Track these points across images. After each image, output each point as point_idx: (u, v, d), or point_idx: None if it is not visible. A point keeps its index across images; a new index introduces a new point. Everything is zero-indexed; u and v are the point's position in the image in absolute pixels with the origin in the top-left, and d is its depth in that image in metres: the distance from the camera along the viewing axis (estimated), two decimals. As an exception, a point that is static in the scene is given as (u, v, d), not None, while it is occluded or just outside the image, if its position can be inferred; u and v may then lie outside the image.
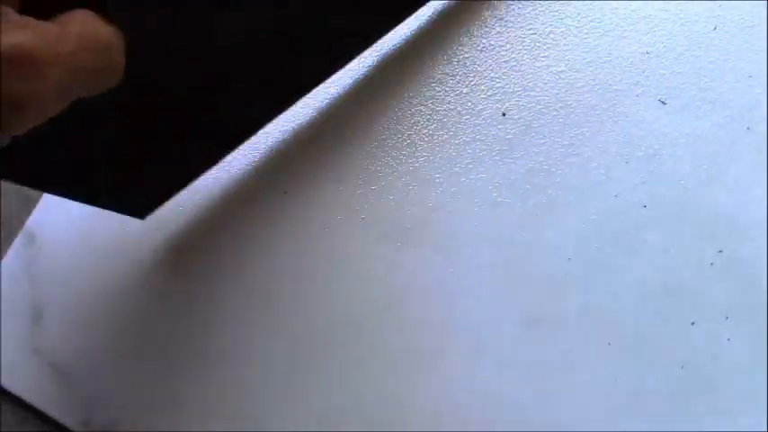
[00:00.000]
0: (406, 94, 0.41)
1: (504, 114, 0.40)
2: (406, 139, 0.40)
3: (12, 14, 0.24)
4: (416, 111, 0.40)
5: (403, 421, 0.35)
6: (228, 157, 0.40)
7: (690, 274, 0.35)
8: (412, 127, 0.40)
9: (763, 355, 0.33)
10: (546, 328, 0.35)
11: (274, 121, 0.39)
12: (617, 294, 0.35)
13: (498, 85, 0.40)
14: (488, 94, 0.40)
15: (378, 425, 0.35)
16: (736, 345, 0.34)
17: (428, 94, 0.41)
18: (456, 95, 0.40)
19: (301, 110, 0.42)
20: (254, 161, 0.42)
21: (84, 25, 0.25)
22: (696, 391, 0.33)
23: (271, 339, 0.38)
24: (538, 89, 0.40)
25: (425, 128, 0.40)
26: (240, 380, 0.38)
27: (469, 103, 0.40)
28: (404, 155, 0.40)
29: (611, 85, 0.39)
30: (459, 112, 0.40)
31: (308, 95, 0.40)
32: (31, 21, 0.24)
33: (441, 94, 0.41)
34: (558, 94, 0.39)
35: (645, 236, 0.36)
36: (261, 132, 0.40)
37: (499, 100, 0.40)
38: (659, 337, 0.34)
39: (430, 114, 0.40)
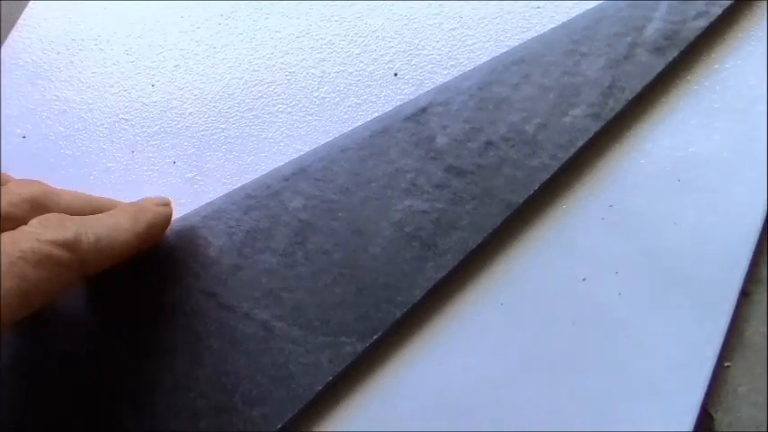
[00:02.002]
0: (294, 57, 0.40)
1: (395, 75, 0.39)
2: (296, 103, 0.39)
3: None
4: (307, 74, 0.39)
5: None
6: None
7: (581, 230, 0.34)
8: (302, 90, 0.39)
9: (652, 307, 0.33)
10: (438, 300, 0.34)
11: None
12: (508, 253, 0.34)
13: (389, 44, 0.39)
14: (379, 54, 0.39)
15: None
16: (626, 299, 0.33)
17: (318, 56, 0.40)
18: (347, 57, 0.39)
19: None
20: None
21: None
22: (588, 348, 0.32)
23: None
24: (429, 48, 0.39)
25: (316, 91, 0.39)
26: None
27: (361, 64, 0.39)
28: (295, 119, 0.39)
29: (502, 41, 0.38)
30: (350, 74, 0.39)
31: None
32: None
33: (331, 56, 0.39)
34: (449, 52, 0.38)
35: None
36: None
37: (390, 60, 0.39)
38: (551, 295, 0.33)
39: (320, 77, 0.39)
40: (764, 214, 0.33)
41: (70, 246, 0.27)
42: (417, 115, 0.35)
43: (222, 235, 0.35)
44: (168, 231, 0.35)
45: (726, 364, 0.33)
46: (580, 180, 0.35)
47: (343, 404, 0.34)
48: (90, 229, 0.29)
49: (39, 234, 0.27)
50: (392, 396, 0.33)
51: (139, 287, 0.34)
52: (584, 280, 0.34)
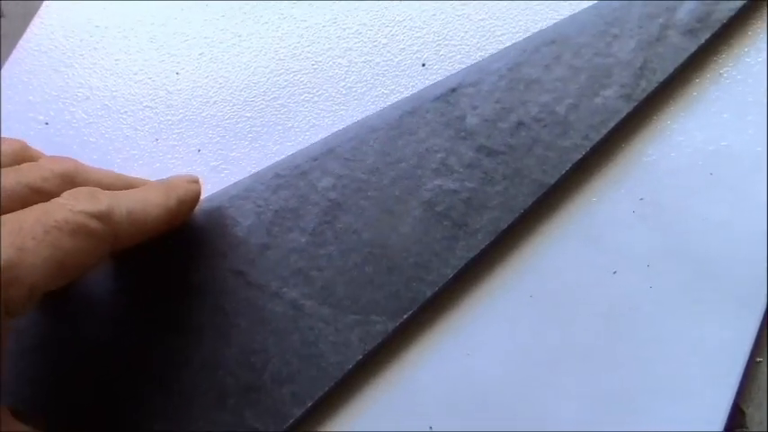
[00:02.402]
0: (321, 46, 0.40)
1: (423, 65, 0.38)
2: (323, 92, 0.39)
3: None
4: (334, 64, 0.39)
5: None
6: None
7: (612, 222, 0.34)
8: (329, 80, 0.39)
9: (683, 302, 0.32)
10: (468, 281, 0.34)
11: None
12: (538, 245, 0.34)
13: (417, 35, 0.39)
14: (407, 44, 0.39)
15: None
16: (657, 293, 0.33)
17: (344, 45, 0.40)
18: (374, 46, 0.39)
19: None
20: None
21: None
22: (618, 342, 0.32)
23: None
24: (458, 38, 0.39)
25: (342, 80, 0.39)
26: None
27: (388, 54, 0.39)
28: (321, 108, 0.38)
29: (531, 31, 0.38)
30: (377, 63, 0.39)
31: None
32: None
33: (358, 45, 0.39)
34: (478, 42, 0.38)
35: (566, 185, 0.35)
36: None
37: (418, 50, 0.39)
38: (581, 288, 0.33)
39: (347, 67, 0.39)
40: (798, 208, 0.33)
41: (103, 217, 0.27)
42: (447, 95, 0.35)
43: (250, 214, 0.34)
44: (196, 211, 0.34)
45: (758, 360, 0.32)
46: (611, 173, 0.35)
47: (373, 383, 0.33)
48: (122, 203, 0.28)
49: (72, 205, 0.26)
50: (419, 377, 0.33)
51: (167, 266, 0.34)
52: (614, 273, 0.33)
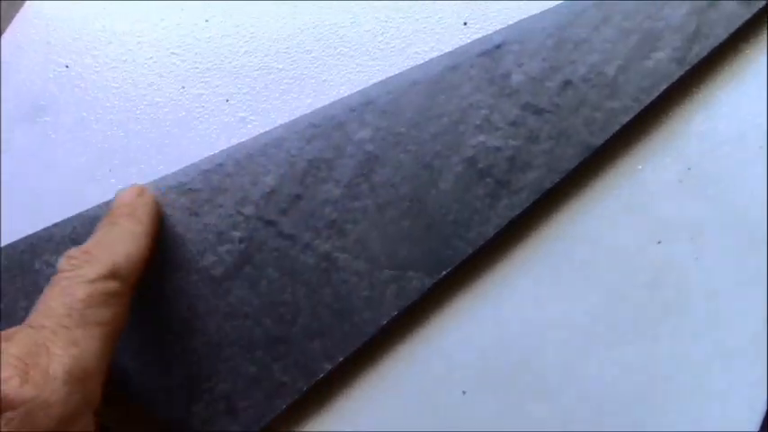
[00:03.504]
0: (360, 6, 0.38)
1: (465, 24, 0.37)
2: (359, 47, 0.37)
3: None
4: (372, 18, 0.38)
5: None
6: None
7: (657, 192, 0.33)
8: (366, 34, 0.38)
9: (729, 274, 0.31)
10: (513, 252, 0.33)
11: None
12: (582, 212, 0.33)
13: (459, -7, 0.38)
14: (449, 1, 0.38)
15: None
16: (703, 264, 0.32)
17: (385, 2, 0.38)
18: (415, 1, 0.38)
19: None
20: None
21: None
22: (660, 312, 0.31)
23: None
24: (501, -1, 0.37)
25: (380, 35, 0.37)
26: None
27: (429, 11, 0.38)
28: (357, 63, 0.37)
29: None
30: (416, 20, 0.38)
31: None
32: None
33: (399, 2, 0.38)
34: (520, 4, 0.37)
35: (612, 152, 0.34)
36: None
37: (460, 8, 0.38)
38: (625, 257, 0.32)
39: (385, 21, 0.38)
40: None
41: (114, 274, 0.27)
42: (492, 52, 0.34)
43: (283, 163, 0.33)
44: (226, 157, 0.33)
45: None
46: (658, 141, 0.34)
47: (407, 342, 0.32)
48: (116, 250, 0.28)
49: (82, 276, 0.27)
50: (454, 339, 0.32)
51: (195, 213, 0.32)
52: (659, 243, 0.32)
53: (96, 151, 0.37)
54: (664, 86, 0.33)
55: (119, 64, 0.38)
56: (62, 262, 0.27)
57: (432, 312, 0.32)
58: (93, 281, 0.26)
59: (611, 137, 0.33)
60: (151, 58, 0.38)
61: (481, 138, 0.33)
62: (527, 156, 0.32)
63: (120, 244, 0.29)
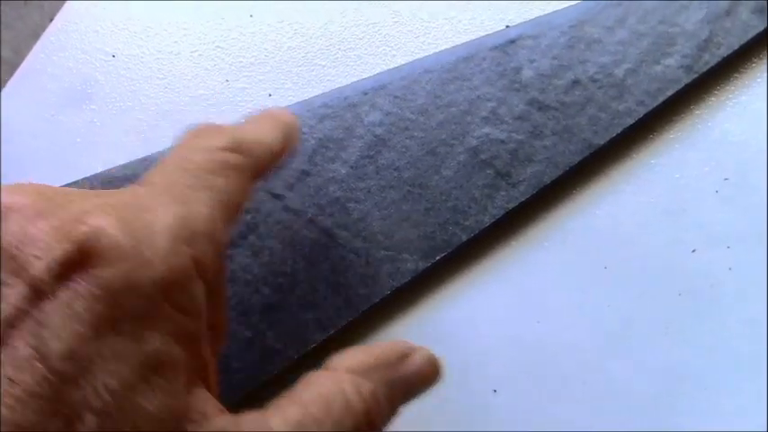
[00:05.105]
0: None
1: (507, 27, 0.38)
2: (401, 47, 0.38)
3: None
4: (415, 18, 0.39)
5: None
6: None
7: (694, 201, 0.33)
8: (407, 34, 0.39)
9: (762, 286, 0.32)
10: (542, 248, 0.34)
11: None
12: (617, 216, 0.34)
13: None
14: (492, 4, 0.39)
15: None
16: (736, 274, 0.32)
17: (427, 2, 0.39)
18: (458, 3, 0.39)
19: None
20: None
21: None
22: (691, 321, 0.32)
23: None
24: (543, 3, 0.38)
25: (423, 36, 0.38)
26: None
27: (473, 13, 0.39)
28: (398, 63, 0.38)
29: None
30: (459, 21, 0.39)
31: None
32: None
33: (443, 1, 0.39)
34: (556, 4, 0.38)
35: (651, 160, 0.34)
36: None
37: (503, 11, 0.39)
38: (658, 263, 0.33)
39: (428, 22, 0.39)
40: None
41: (237, 148, 0.25)
42: (505, 46, 0.35)
43: None
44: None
45: None
46: (697, 151, 0.34)
47: (399, 322, 0.33)
48: (244, 130, 0.26)
49: (201, 144, 0.24)
50: (446, 322, 0.33)
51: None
52: (693, 251, 0.33)
53: (140, 141, 0.38)
54: (669, 93, 0.34)
55: (164, 56, 0.40)
56: (184, 133, 0.25)
57: (425, 295, 0.33)
58: (211, 149, 0.24)
59: (649, 144, 0.34)
60: (196, 50, 0.40)
61: (486, 129, 0.34)
62: (529, 150, 0.33)
63: (251, 128, 0.27)
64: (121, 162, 0.35)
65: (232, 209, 0.24)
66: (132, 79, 0.39)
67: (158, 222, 0.20)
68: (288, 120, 0.29)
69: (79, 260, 0.19)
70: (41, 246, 0.19)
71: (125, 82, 0.39)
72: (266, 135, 0.27)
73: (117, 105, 0.38)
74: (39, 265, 0.18)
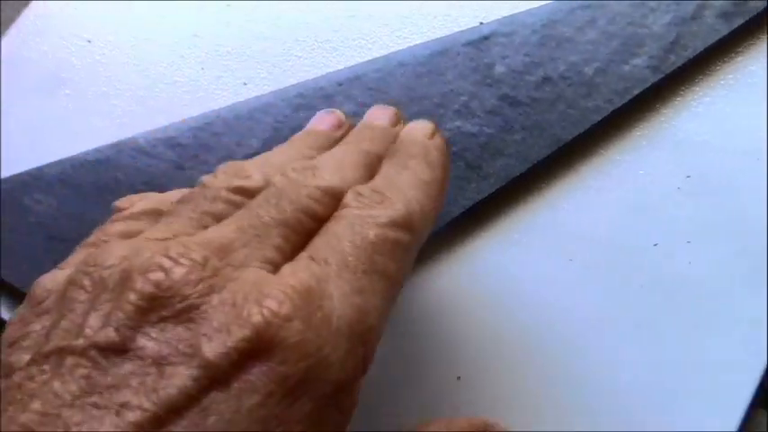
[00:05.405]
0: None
1: (481, 23, 0.39)
2: (377, 40, 0.39)
3: None
4: (392, 12, 0.40)
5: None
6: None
7: (657, 196, 0.34)
8: (383, 27, 0.39)
9: (721, 280, 0.32)
10: (510, 240, 0.34)
11: None
12: (584, 210, 0.34)
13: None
14: (467, 2, 0.39)
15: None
16: (695, 268, 0.33)
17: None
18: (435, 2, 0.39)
19: None
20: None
21: None
22: (653, 313, 0.32)
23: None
24: (522, 6, 0.39)
25: (398, 30, 0.39)
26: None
27: (449, 9, 0.39)
28: (373, 56, 0.39)
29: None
30: (435, 17, 0.39)
31: None
32: None
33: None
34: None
35: (617, 156, 0.35)
36: None
37: (477, 10, 0.39)
38: (622, 256, 0.33)
39: (405, 17, 0.39)
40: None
41: (407, 224, 0.22)
42: (479, 42, 0.36)
43: (268, 128, 0.35)
44: (215, 117, 0.35)
45: None
46: (662, 149, 0.35)
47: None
48: (411, 196, 0.23)
49: (374, 217, 0.22)
50: (412, 316, 0.33)
51: (180, 168, 0.34)
52: (655, 245, 0.33)
53: (114, 126, 0.38)
54: (636, 92, 0.35)
55: (140, 42, 0.40)
56: (348, 197, 0.22)
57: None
58: (384, 225, 0.22)
59: (616, 141, 0.35)
60: (172, 38, 0.40)
61: (458, 123, 0.34)
62: (500, 144, 0.34)
63: (412, 190, 0.24)
64: (95, 146, 0.35)
65: (397, 293, 0.22)
66: (108, 65, 0.39)
67: (337, 315, 0.19)
68: (437, 149, 0.27)
69: (257, 349, 0.17)
70: (217, 327, 0.17)
71: (100, 68, 0.39)
72: (429, 192, 0.25)
73: (92, 90, 0.38)
74: (214, 349, 0.17)
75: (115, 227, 0.23)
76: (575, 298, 0.33)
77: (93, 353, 0.17)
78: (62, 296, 0.19)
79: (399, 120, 0.29)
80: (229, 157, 0.34)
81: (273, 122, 0.35)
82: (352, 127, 0.29)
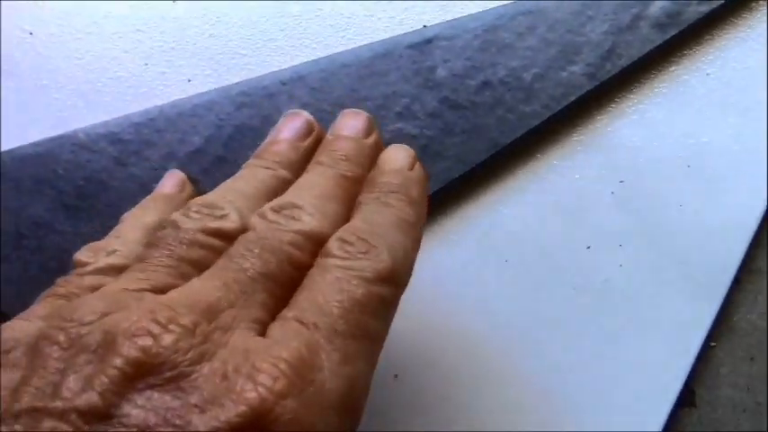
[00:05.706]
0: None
1: (425, 26, 0.39)
2: (322, 40, 0.39)
3: None
4: (336, 13, 0.40)
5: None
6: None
7: (591, 201, 0.35)
8: (329, 28, 0.39)
9: (649, 283, 0.34)
10: (449, 241, 0.35)
11: None
12: (520, 213, 0.35)
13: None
14: (410, 4, 0.40)
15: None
16: (626, 271, 0.34)
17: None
18: (378, 1, 0.40)
19: None
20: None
21: None
22: (584, 313, 0.33)
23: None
24: (460, 5, 0.40)
25: (343, 30, 0.39)
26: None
27: (392, 12, 0.40)
28: (318, 55, 0.39)
29: None
30: (379, 18, 0.40)
31: None
32: None
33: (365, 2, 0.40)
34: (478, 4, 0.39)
35: (554, 161, 0.36)
36: None
37: (421, 12, 0.40)
38: (555, 258, 0.34)
39: (349, 18, 0.40)
40: (764, 209, 0.35)
41: (393, 277, 0.21)
42: (422, 45, 0.36)
43: (211, 126, 0.35)
44: (158, 113, 0.35)
45: (712, 344, 0.33)
46: (596, 154, 0.36)
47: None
48: (393, 243, 0.22)
49: (360, 271, 0.21)
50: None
51: (122, 164, 0.34)
52: (588, 248, 0.34)
53: (55, 119, 0.37)
54: (573, 98, 0.36)
55: (83, 36, 0.39)
56: (332, 245, 0.21)
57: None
58: (372, 281, 0.21)
59: (553, 146, 0.36)
60: (116, 32, 0.39)
61: (399, 124, 0.35)
62: (440, 146, 0.35)
63: (395, 234, 0.23)
64: (34, 140, 0.35)
65: (381, 350, 0.21)
66: (50, 57, 0.39)
67: (328, 388, 0.18)
68: (417, 183, 0.26)
69: (251, 426, 0.17)
70: (208, 398, 0.17)
71: (42, 60, 0.38)
72: (411, 235, 0.24)
73: (33, 83, 0.38)
74: (207, 423, 0.16)
75: (84, 281, 0.22)
76: (509, 297, 0.33)
77: (73, 417, 0.16)
78: (32, 350, 0.18)
79: (373, 128, 0.27)
80: (171, 153, 0.34)
81: (216, 120, 0.35)
82: (320, 133, 0.28)
